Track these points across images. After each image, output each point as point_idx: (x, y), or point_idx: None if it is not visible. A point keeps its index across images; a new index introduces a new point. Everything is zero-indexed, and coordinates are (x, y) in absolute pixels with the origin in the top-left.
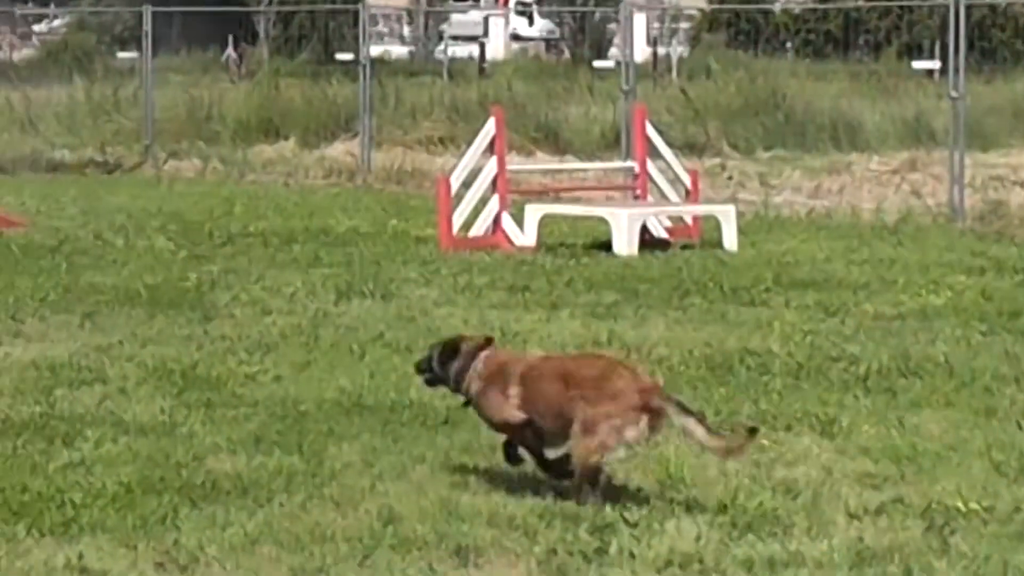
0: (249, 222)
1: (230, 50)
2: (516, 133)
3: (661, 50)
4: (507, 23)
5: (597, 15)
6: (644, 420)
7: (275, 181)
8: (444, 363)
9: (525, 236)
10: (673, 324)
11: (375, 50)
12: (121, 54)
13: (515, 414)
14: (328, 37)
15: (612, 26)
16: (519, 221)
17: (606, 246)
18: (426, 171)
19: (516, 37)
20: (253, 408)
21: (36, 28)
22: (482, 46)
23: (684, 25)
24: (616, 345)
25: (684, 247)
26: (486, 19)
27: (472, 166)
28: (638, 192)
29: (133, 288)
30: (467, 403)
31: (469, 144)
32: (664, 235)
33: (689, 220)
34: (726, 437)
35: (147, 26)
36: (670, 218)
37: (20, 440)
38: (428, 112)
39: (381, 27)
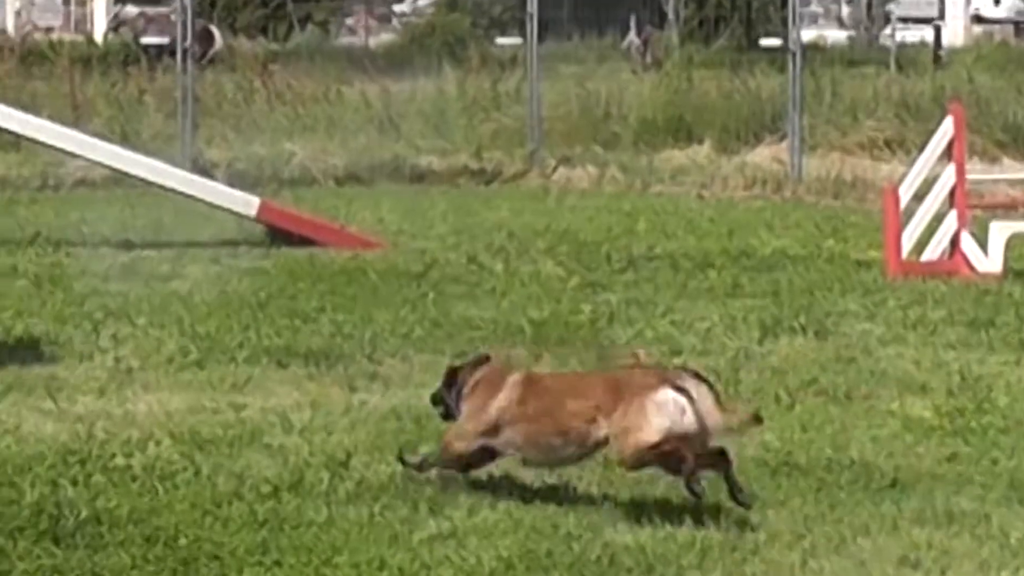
0: (655, 242)
1: (632, 35)
2: (979, 135)
3: None
4: (968, 2)
5: None
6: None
7: (687, 193)
8: (448, 390)
9: (989, 260)
10: None
11: (807, 35)
12: (501, 40)
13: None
14: (751, 19)
15: None
16: (982, 242)
17: None
18: (869, 181)
19: (979, 19)
20: None
21: (397, 9)
22: (937, 29)
23: None
24: None
25: None
26: None
27: (925, 175)
28: None
29: (515, 323)
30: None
31: (921, 149)
32: None
33: None
34: (734, 410)
35: (532, 7)
36: None
37: (378, 506)
38: (871, 110)
39: (815, 7)
